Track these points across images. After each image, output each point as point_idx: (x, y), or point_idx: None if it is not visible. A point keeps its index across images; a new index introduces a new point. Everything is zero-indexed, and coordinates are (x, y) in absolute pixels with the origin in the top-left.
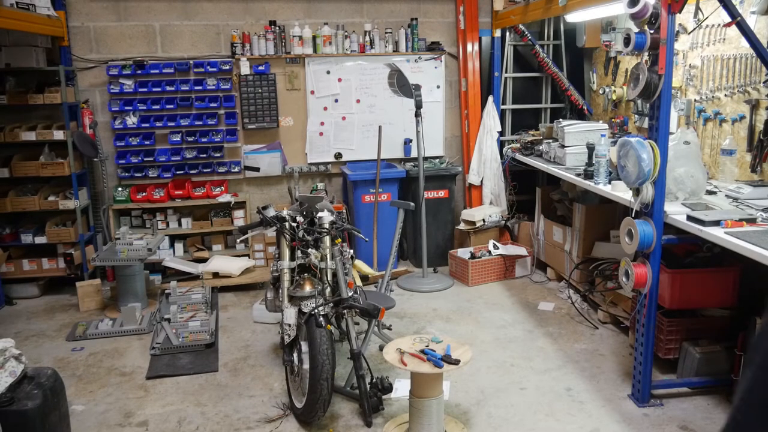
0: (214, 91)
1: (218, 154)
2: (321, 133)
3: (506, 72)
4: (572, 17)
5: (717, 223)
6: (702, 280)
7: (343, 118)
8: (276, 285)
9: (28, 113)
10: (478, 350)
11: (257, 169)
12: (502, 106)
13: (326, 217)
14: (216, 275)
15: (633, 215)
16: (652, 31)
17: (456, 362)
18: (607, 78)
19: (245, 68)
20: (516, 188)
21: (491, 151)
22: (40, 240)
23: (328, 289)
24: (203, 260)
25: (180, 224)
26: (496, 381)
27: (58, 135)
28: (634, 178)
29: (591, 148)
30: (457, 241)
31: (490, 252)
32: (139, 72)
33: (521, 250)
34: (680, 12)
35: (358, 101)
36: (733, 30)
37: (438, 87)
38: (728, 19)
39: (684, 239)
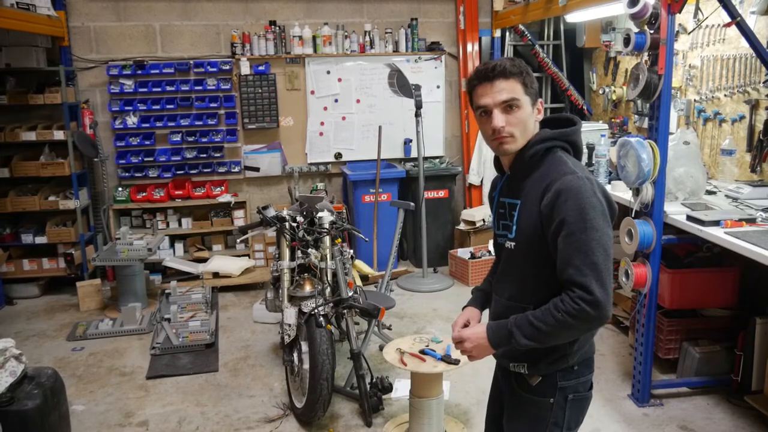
0: (214, 91)
1: (218, 154)
2: (321, 133)
3: None
4: (572, 17)
5: (717, 223)
6: (702, 280)
7: (343, 118)
8: (276, 285)
9: (28, 113)
10: None
11: (257, 169)
12: None
13: (326, 217)
14: (216, 275)
15: (633, 215)
16: (652, 31)
17: (456, 362)
18: (607, 78)
19: (245, 68)
20: None
21: (491, 151)
22: (40, 240)
23: (328, 289)
24: (203, 260)
25: (180, 224)
26: None
27: (58, 135)
28: (634, 178)
29: (591, 148)
30: (457, 241)
31: (490, 252)
32: (139, 72)
33: None
34: (680, 12)
35: (358, 101)
36: (733, 30)
37: (438, 87)
38: (728, 19)
39: (684, 239)
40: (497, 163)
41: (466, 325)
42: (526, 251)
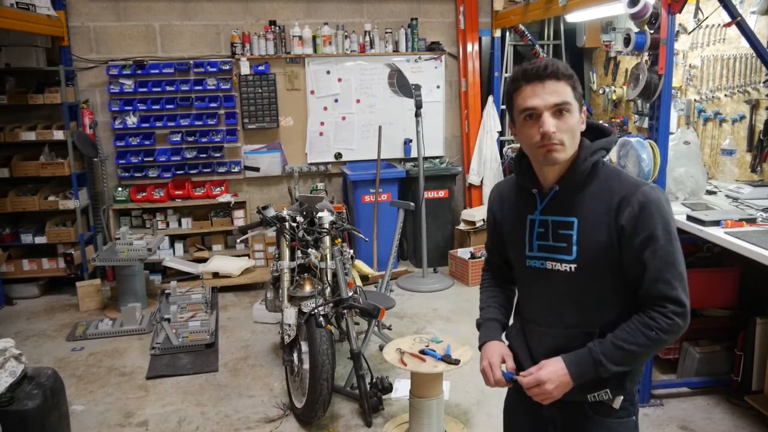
0: (214, 91)
1: (218, 154)
2: (321, 133)
3: (506, 72)
4: (572, 17)
5: (717, 223)
6: (702, 280)
7: (343, 118)
8: (276, 285)
9: (28, 113)
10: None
11: (257, 169)
12: (502, 106)
13: (326, 217)
14: (216, 275)
15: None
16: (652, 31)
17: (456, 362)
18: (607, 78)
19: (245, 68)
20: None
21: (491, 151)
22: (40, 240)
23: (328, 289)
24: (203, 260)
25: (180, 224)
26: None
27: (58, 135)
28: None
29: None
30: (457, 241)
31: None
32: (139, 72)
33: None
34: (680, 12)
35: (358, 101)
36: (733, 30)
37: (438, 87)
38: (728, 19)
39: (684, 239)
40: (524, 176)
41: (502, 362)
42: (594, 271)
